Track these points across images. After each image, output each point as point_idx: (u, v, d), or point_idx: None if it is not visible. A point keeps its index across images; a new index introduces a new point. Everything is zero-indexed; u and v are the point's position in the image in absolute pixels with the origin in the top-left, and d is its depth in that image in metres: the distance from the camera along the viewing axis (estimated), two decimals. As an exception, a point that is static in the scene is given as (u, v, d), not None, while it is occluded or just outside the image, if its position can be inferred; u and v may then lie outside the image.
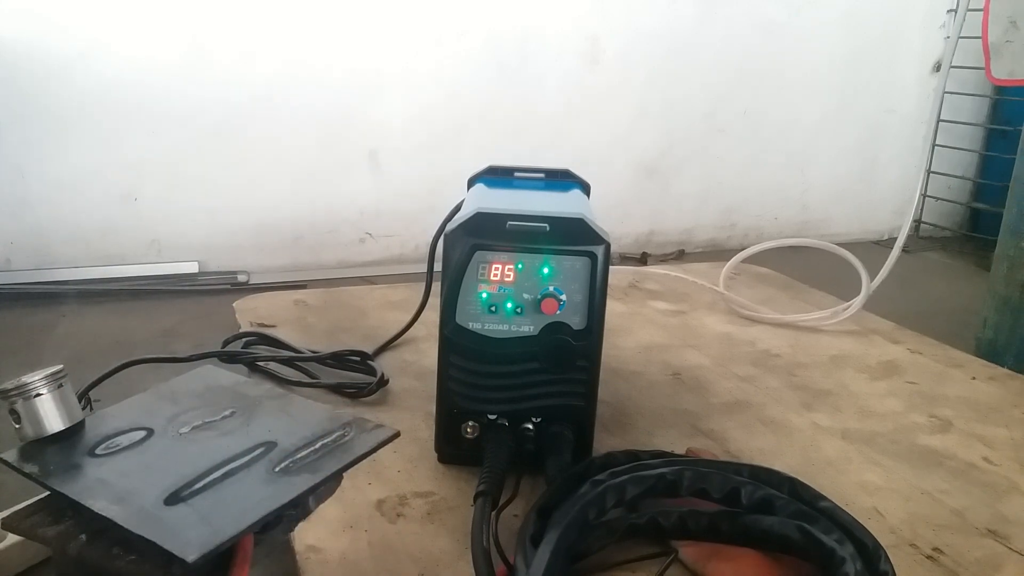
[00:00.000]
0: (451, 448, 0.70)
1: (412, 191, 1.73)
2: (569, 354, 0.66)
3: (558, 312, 0.66)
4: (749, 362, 0.99)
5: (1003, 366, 1.01)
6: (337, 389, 0.82)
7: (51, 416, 0.47)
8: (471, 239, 0.65)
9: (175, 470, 0.44)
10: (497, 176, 0.92)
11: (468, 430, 0.69)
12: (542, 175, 0.93)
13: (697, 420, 0.82)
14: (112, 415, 0.51)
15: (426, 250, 0.90)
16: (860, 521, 0.57)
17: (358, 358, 0.87)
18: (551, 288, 0.66)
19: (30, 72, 1.54)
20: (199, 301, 1.51)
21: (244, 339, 0.96)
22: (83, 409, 0.75)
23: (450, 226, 0.67)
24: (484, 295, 0.67)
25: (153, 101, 1.57)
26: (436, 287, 0.77)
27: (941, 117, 2.23)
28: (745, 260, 1.16)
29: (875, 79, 2.13)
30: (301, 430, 0.47)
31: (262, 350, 0.95)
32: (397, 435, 0.47)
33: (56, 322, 1.47)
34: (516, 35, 1.78)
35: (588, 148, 1.92)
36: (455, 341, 0.67)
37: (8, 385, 0.45)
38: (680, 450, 0.73)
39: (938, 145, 2.25)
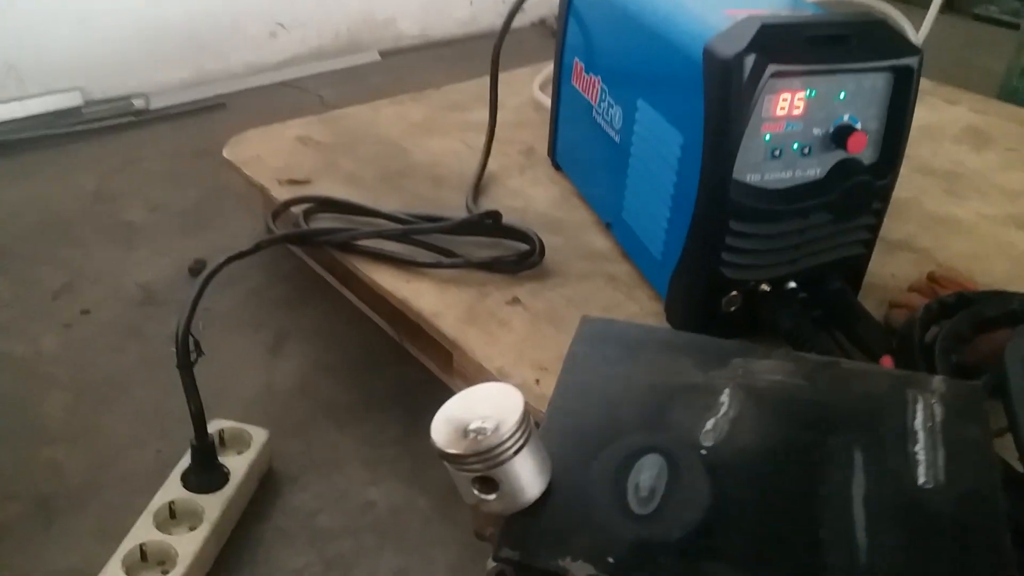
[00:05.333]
0: (704, 326, 0.58)
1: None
2: (865, 197, 0.54)
3: (860, 146, 0.52)
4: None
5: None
6: (494, 266, 0.65)
7: (531, 476, 0.29)
8: (764, 62, 0.48)
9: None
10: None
11: (730, 302, 0.57)
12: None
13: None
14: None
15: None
16: None
17: (491, 220, 0.68)
18: (845, 117, 0.52)
19: None
20: (100, 144, 1.13)
21: (301, 207, 0.74)
22: (193, 355, 0.54)
23: (720, 46, 0.49)
24: (767, 137, 0.52)
25: None
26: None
27: None
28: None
29: None
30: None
31: (335, 220, 0.73)
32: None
33: None
34: None
35: None
36: (733, 200, 0.52)
37: (477, 447, 0.26)
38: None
39: None
